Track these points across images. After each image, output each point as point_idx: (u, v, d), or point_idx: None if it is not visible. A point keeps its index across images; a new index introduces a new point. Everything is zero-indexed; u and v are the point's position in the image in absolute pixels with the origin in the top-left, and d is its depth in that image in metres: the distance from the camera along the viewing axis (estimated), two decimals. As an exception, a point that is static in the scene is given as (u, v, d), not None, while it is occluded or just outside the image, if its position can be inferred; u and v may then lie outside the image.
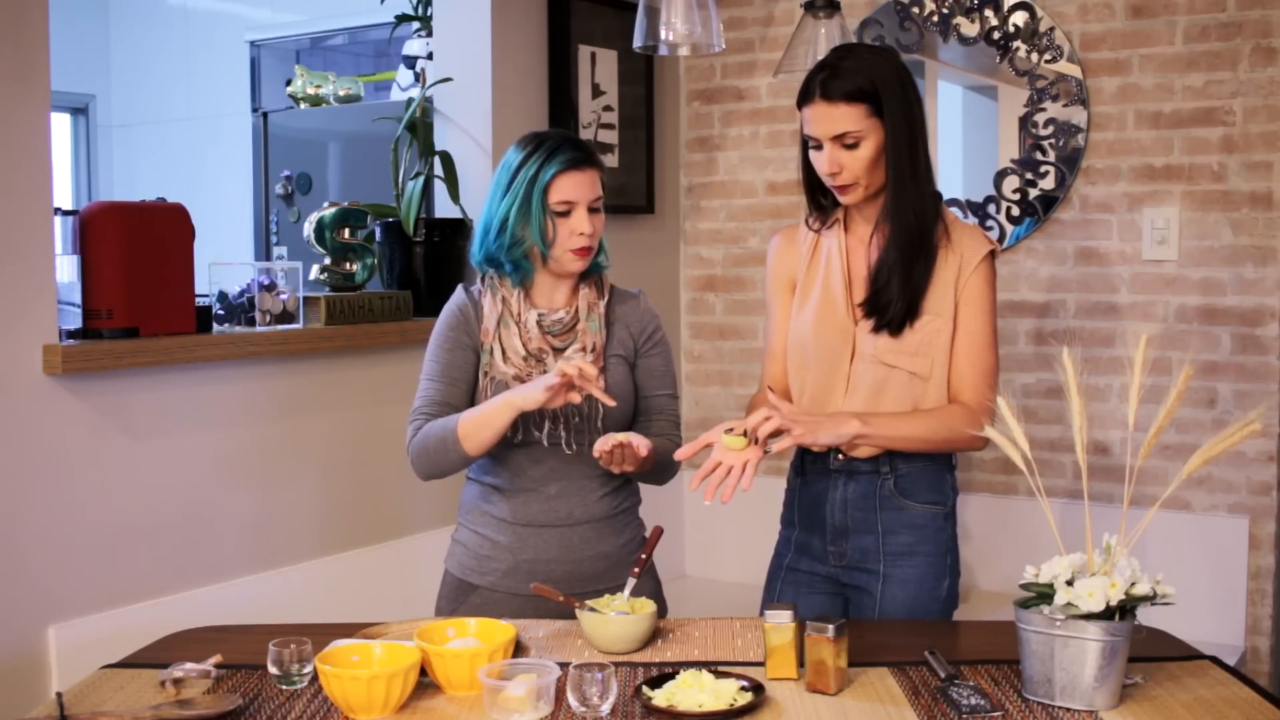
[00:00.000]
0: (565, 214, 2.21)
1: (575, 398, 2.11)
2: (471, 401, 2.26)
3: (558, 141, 2.24)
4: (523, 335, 2.24)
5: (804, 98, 2.22)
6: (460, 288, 2.33)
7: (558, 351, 2.24)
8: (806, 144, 2.25)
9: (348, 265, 3.10)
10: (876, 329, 2.23)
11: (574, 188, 2.21)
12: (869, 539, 2.28)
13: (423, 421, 2.24)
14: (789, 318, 2.36)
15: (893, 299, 2.21)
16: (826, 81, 2.18)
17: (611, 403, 2.14)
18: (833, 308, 2.28)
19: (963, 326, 2.23)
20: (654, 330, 2.35)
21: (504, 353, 2.24)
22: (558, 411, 2.21)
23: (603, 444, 2.11)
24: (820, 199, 2.32)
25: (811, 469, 2.34)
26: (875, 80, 2.17)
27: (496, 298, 2.27)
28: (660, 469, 2.26)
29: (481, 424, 2.15)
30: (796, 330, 2.33)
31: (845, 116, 2.17)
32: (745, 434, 2.08)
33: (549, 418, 2.22)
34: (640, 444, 2.11)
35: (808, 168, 2.28)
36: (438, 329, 2.30)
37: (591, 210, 2.23)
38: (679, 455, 2.15)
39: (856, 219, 2.31)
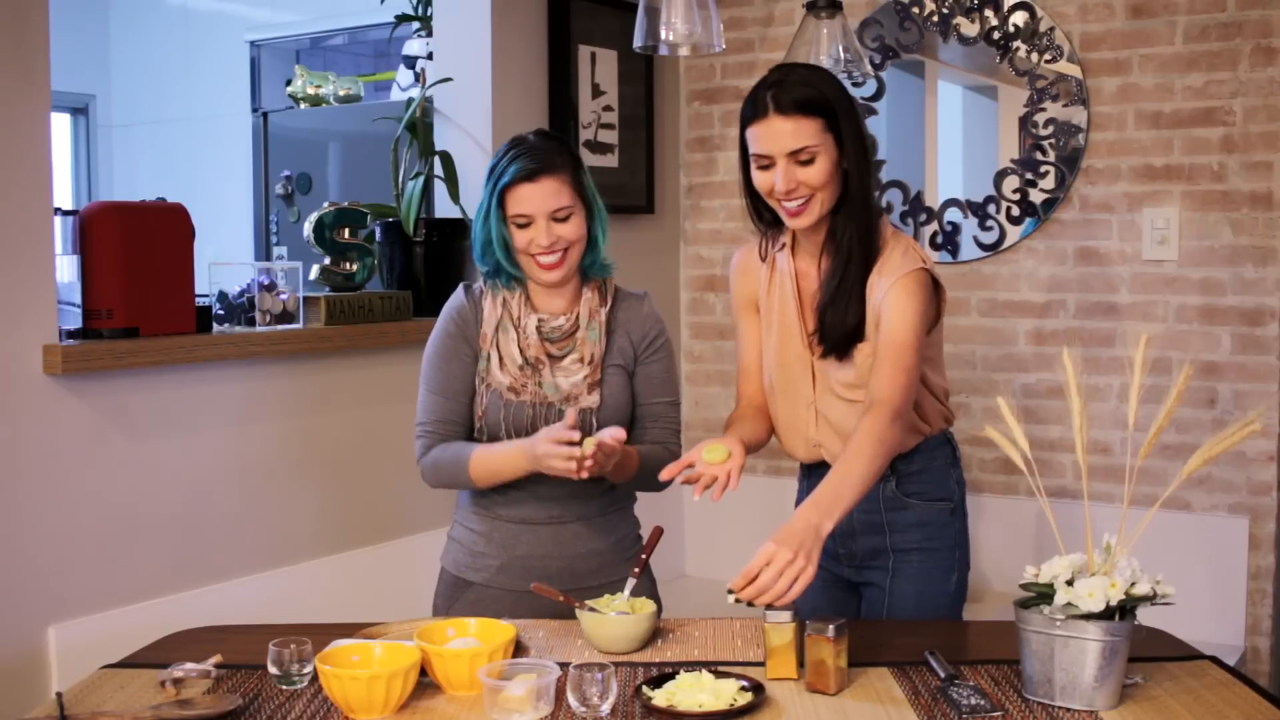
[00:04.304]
0: (525, 226, 2.17)
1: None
2: (471, 412, 2.25)
3: (519, 150, 2.18)
4: (521, 341, 2.22)
5: (755, 113, 2.09)
6: (461, 287, 2.31)
7: (554, 360, 2.22)
8: (748, 166, 2.14)
9: (347, 265, 3.10)
10: (823, 356, 2.19)
11: (528, 200, 2.15)
12: (877, 539, 2.29)
13: (430, 440, 2.24)
14: (758, 334, 2.32)
15: (837, 325, 2.14)
16: (778, 95, 2.07)
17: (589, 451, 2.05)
18: (791, 338, 2.24)
19: (882, 330, 2.10)
20: (655, 336, 2.31)
21: (500, 360, 2.22)
22: (550, 425, 2.18)
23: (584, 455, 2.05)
24: (765, 221, 2.22)
25: (817, 474, 2.33)
26: (827, 94, 2.09)
27: (498, 300, 2.25)
28: (654, 477, 2.24)
29: (495, 471, 2.17)
30: (766, 359, 2.30)
31: (801, 130, 2.06)
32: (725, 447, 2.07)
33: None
34: (611, 436, 2.05)
35: (752, 192, 2.17)
36: (437, 334, 2.28)
37: (558, 220, 2.16)
38: (663, 475, 2.11)
39: (802, 241, 2.22)
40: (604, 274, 2.29)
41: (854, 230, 2.13)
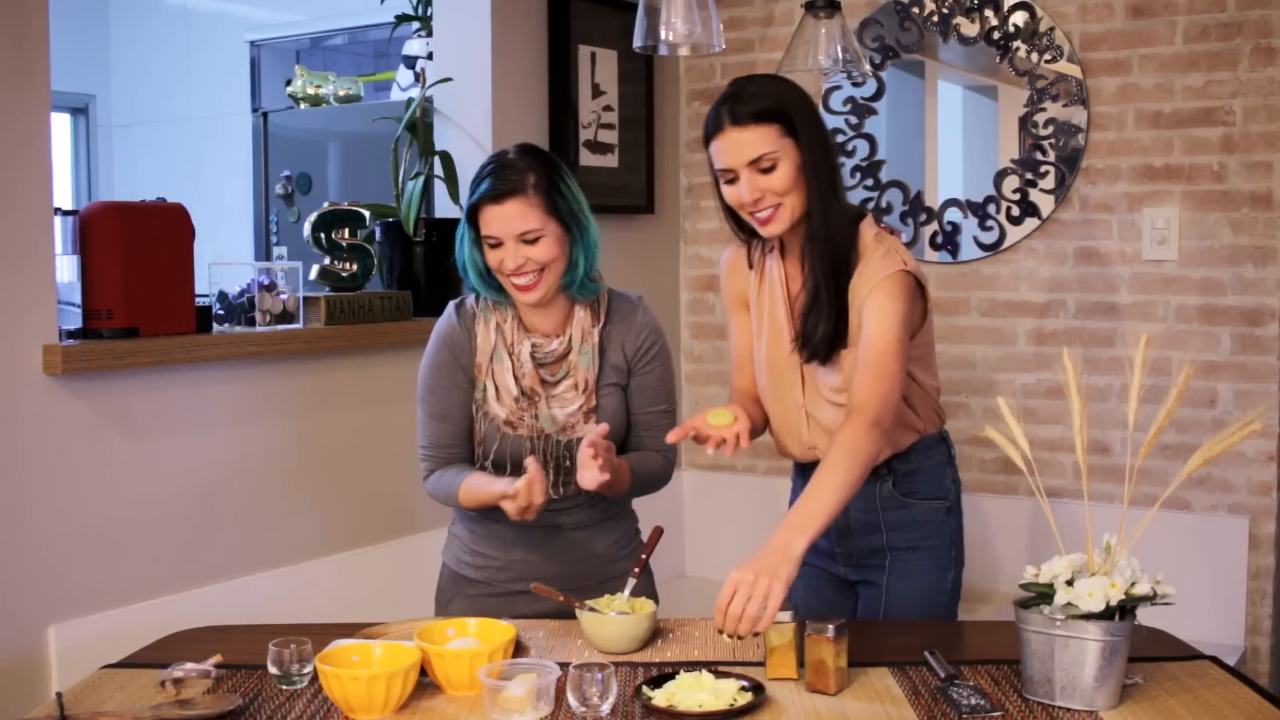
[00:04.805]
0: (496, 246, 2.15)
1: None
2: (472, 435, 2.24)
3: (492, 170, 2.16)
4: (516, 370, 2.20)
5: (713, 130, 2.11)
6: (452, 306, 2.27)
7: (549, 387, 2.20)
8: (718, 183, 2.14)
9: (347, 265, 3.10)
10: (807, 361, 2.19)
11: (494, 221, 2.13)
12: (874, 538, 2.29)
13: (433, 464, 2.26)
14: (748, 328, 2.32)
15: (816, 329, 2.14)
16: (734, 108, 2.08)
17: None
18: (780, 340, 2.24)
19: (863, 335, 2.09)
20: (649, 346, 2.26)
21: (497, 391, 2.20)
22: (548, 456, 2.19)
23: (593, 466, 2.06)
24: (748, 232, 2.22)
25: (811, 473, 2.33)
26: (783, 99, 2.09)
27: (490, 324, 2.23)
28: (649, 483, 2.25)
29: (480, 504, 2.19)
30: (757, 362, 2.30)
31: (758, 139, 2.07)
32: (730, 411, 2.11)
33: (539, 462, 2.18)
34: (596, 434, 2.08)
35: (728, 207, 2.17)
36: (431, 360, 2.26)
37: (526, 242, 2.12)
38: (670, 438, 2.13)
39: (789, 244, 2.22)
40: (588, 294, 2.23)
41: (825, 232, 2.13)
